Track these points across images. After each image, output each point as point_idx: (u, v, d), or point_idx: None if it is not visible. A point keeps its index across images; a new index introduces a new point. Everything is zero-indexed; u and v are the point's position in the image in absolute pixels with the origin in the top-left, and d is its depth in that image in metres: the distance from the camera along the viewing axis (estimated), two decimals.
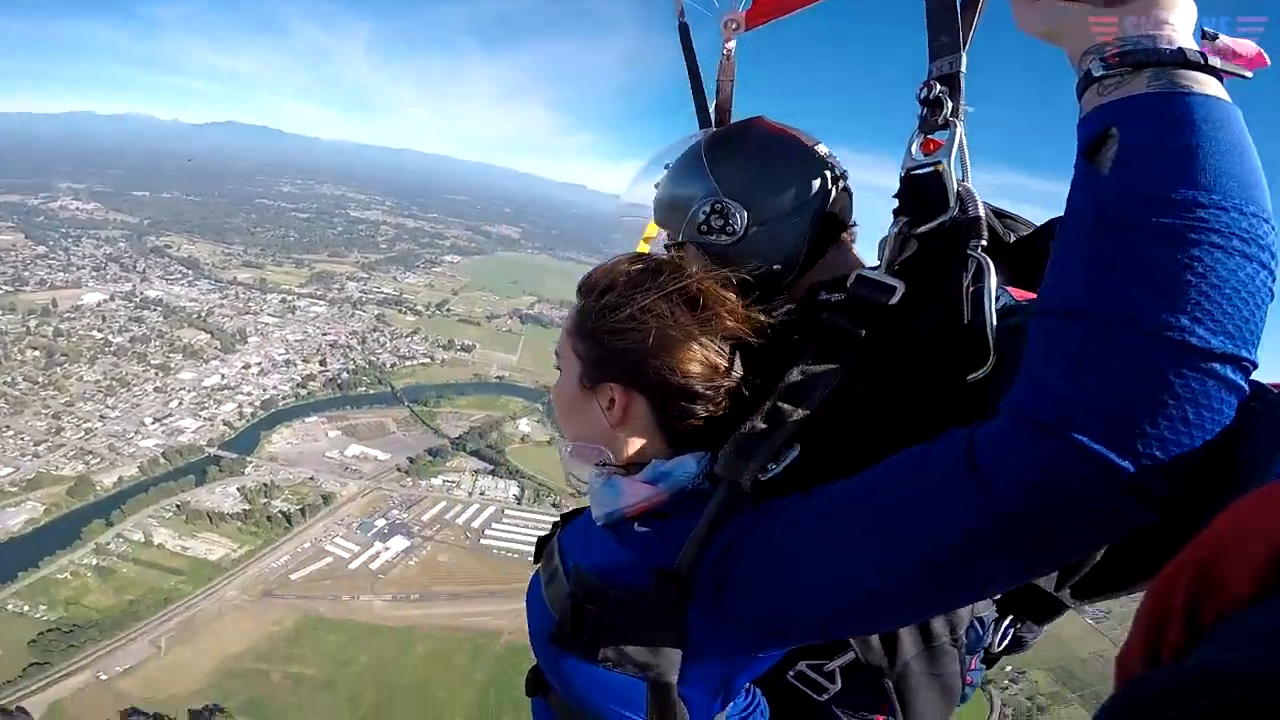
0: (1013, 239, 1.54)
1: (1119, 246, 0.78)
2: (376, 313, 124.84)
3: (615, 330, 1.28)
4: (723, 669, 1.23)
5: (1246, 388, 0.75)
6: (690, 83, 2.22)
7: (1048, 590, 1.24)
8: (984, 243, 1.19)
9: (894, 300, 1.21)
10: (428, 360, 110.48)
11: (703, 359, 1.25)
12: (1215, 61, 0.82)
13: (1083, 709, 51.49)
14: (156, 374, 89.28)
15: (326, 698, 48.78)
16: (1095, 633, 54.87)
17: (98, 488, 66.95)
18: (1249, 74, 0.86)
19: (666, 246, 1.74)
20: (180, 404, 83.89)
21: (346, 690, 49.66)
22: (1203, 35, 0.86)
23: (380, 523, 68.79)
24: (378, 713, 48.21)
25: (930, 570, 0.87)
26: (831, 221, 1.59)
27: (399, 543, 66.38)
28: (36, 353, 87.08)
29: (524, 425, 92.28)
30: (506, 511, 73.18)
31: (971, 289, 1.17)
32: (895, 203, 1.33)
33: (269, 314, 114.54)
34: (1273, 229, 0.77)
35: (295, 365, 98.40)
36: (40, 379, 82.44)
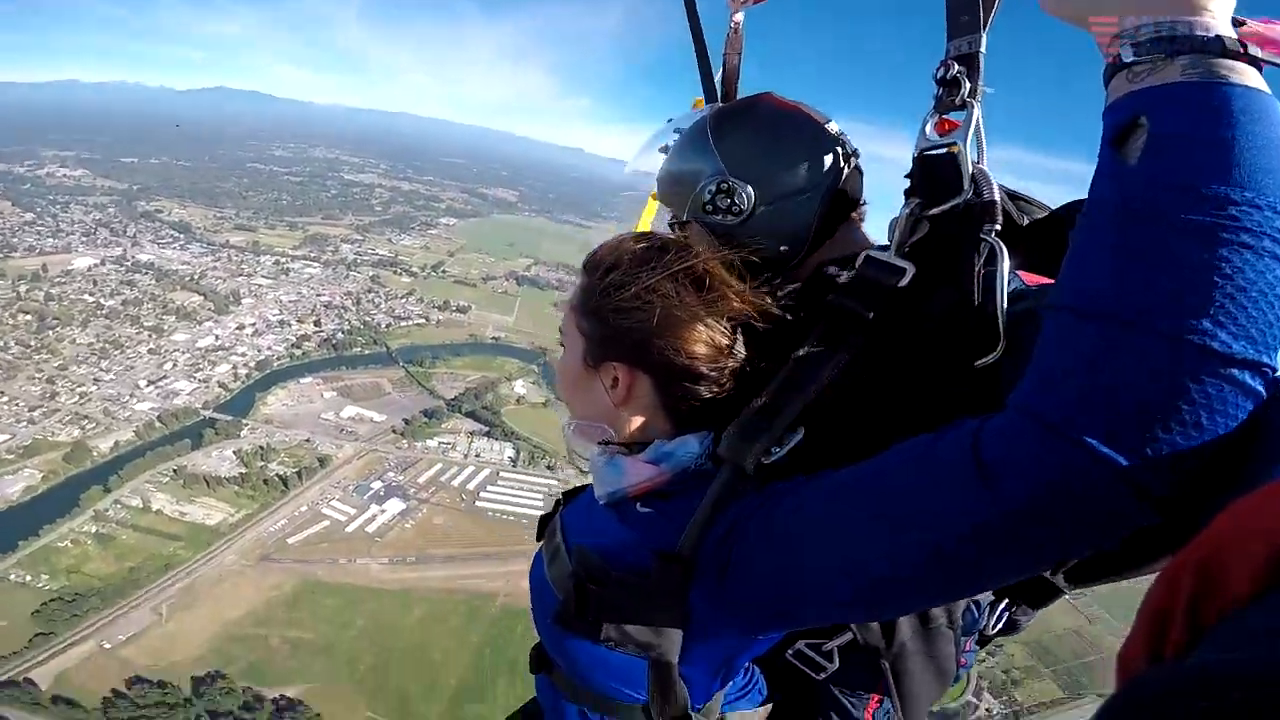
0: (1026, 222, 1.49)
1: (1144, 239, 0.74)
2: (371, 274, 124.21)
3: (620, 309, 1.26)
4: (724, 649, 1.25)
5: (1265, 393, 0.73)
6: (696, 56, 2.18)
7: (1044, 575, 1.24)
8: (998, 227, 1.17)
9: (903, 283, 1.19)
10: (423, 321, 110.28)
11: (708, 340, 1.24)
12: (1256, 51, 0.76)
13: (1054, 684, 52.22)
14: (150, 336, 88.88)
15: (325, 661, 49.40)
16: (1071, 609, 55.02)
17: (94, 453, 67.04)
18: None
19: (671, 225, 1.71)
20: (175, 366, 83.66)
21: (345, 653, 50.23)
22: (1233, 22, 0.81)
23: (376, 485, 69.01)
24: (376, 675, 48.82)
25: (940, 559, 0.86)
26: (841, 200, 1.56)
27: (395, 505, 66.64)
28: (28, 317, 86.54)
29: (519, 387, 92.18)
30: (502, 474, 73.38)
31: (983, 273, 1.15)
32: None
33: (262, 276, 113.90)
34: None
35: (290, 326, 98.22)
36: (33, 343, 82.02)
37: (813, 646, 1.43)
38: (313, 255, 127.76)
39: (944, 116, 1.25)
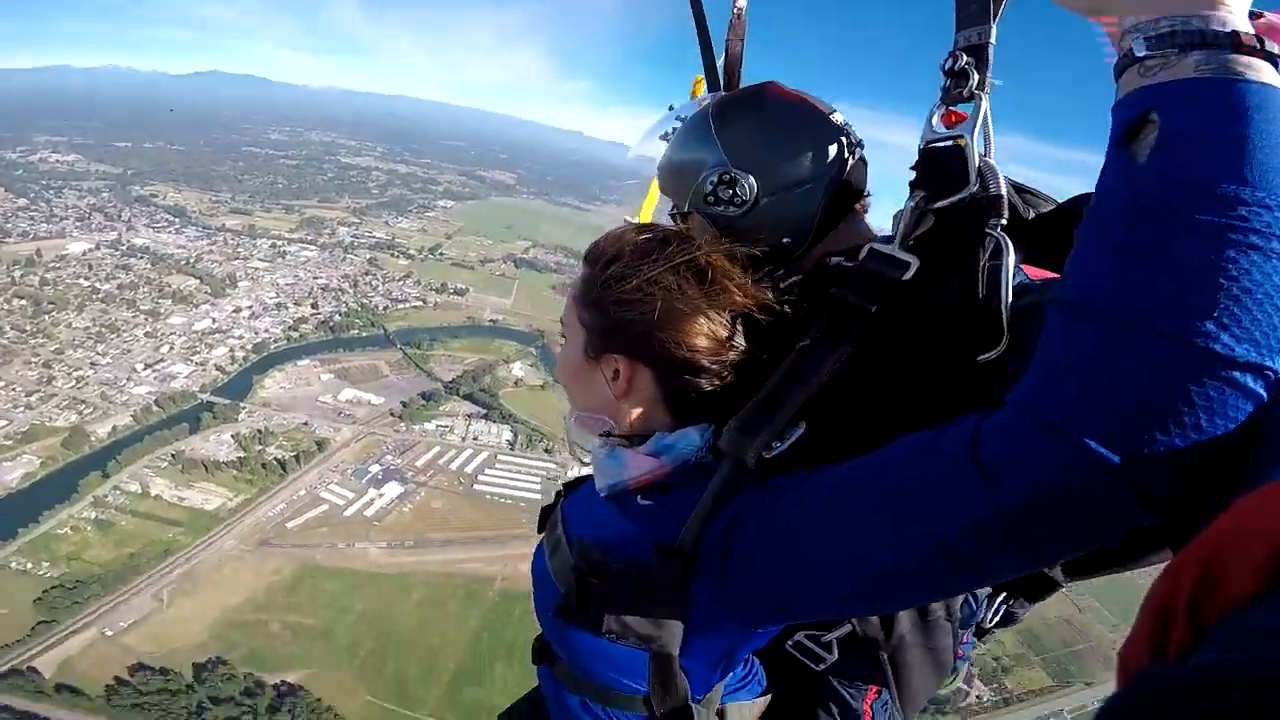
0: (1032, 215, 1.48)
1: (1150, 237, 0.73)
2: (368, 257, 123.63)
3: (621, 301, 1.26)
4: (724, 642, 1.26)
5: (1266, 395, 0.72)
6: (700, 44, 2.17)
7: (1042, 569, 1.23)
8: (1004, 222, 1.16)
9: (907, 276, 1.18)
10: (420, 303, 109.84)
11: (709, 333, 1.24)
12: (1273, 46, 0.74)
13: (1044, 671, 52.38)
14: (146, 319, 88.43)
15: (325, 646, 49.38)
16: (1062, 598, 53.79)
17: (92, 438, 66.70)
18: None
19: (672, 215, 1.69)
20: (171, 349, 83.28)
21: (344, 638, 50.23)
22: (1250, 15, 0.79)
23: (374, 469, 68.77)
24: (375, 660, 48.86)
25: (942, 554, 0.86)
26: (845, 192, 1.54)
27: (393, 489, 66.48)
28: (23, 302, 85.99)
29: (518, 369, 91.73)
30: (499, 457, 73.12)
31: (987, 267, 1.15)
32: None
33: (259, 259, 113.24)
34: None
35: (286, 308, 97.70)
36: (28, 327, 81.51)
37: (812, 638, 1.44)
38: (309, 238, 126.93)
39: (951, 108, 1.23)
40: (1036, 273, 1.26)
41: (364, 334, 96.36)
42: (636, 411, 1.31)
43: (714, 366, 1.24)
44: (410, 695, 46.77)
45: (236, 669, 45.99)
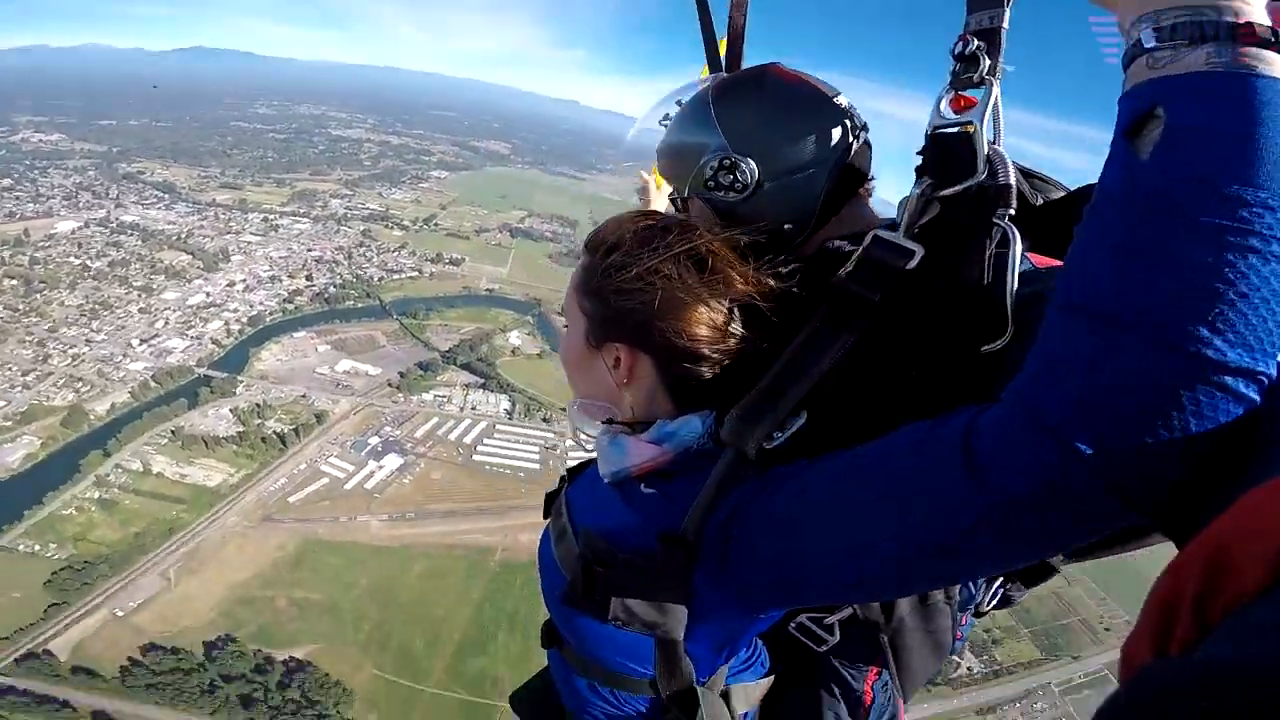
0: (1040, 201, 1.47)
1: (1149, 237, 0.72)
2: (362, 228, 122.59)
3: (621, 290, 1.26)
4: (727, 628, 1.27)
5: (1259, 399, 0.71)
6: (699, 18, 2.10)
7: None
8: (1012, 211, 1.15)
9: (911, 265, 1.15)
10: (416, 274, 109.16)
11: (710, 322, 1.23)
12: None
13: (1032, 644, 52.81)
14: (139, 295, 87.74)
15: (330, 621, 49.70)
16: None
17: (91, 416, 66.42)
18: None
19: (672, 200, 1.68)
20: (166, 324, 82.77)
21: (349, 613, 50.53)
22: (1269, 5, 0.75)
23: (374, 440, 68.64)
24: (380, 633, 49.24)
25: (943, 543, 0.87)
26: (849, 176, 1.52)
27: (393, 461, 66.44)
28: (14, 281, 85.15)
29: (515, 338, 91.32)
30: (498, 427, 72.95)
31: (993, 255, 1.13)
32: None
33: (251, 233, 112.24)
34: None
35: (281, 281, 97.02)
36: (21, 306, 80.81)
37: (814, 620, 1.46)
38: (301, 211, 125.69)
39: (960, 93, 1.20)
40: (1043, 260, 1.24)
41: (360, 305, 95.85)
42: (638, 399, 1.31)
43: (715, 354, 1.24)
44: (415, 667, 47.23)
45: (246, 646, 46.38)
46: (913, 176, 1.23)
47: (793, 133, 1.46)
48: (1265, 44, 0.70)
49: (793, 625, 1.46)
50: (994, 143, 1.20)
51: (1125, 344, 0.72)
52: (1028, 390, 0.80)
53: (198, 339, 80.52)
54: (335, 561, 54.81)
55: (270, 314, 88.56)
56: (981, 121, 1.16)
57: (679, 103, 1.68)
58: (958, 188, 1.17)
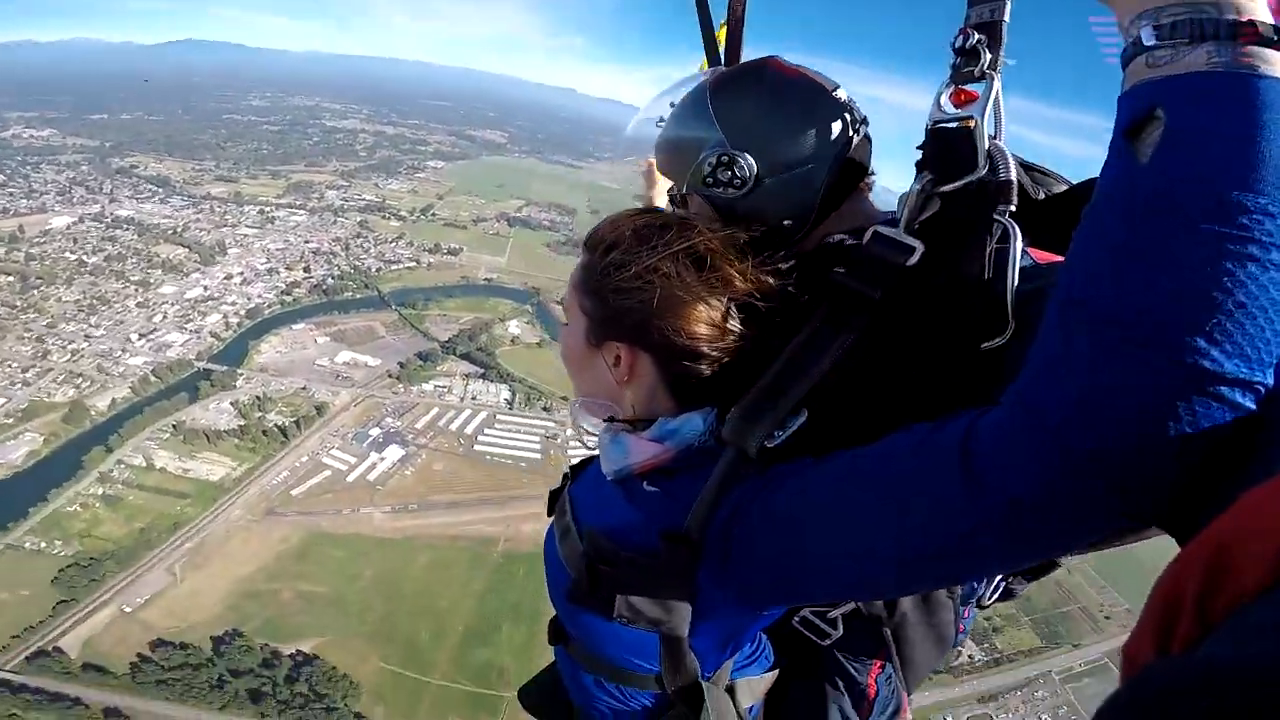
0: (1042, 195, 1.46)
1: (1147, 242, 0.71)
2: (359, 219, 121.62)
3: (620, 289, 1.26)
4: (731, 624, 1.29)
5: (1255, 408, 0.70)
6: (696, 8, 2.12)
7: None
8: (1013, 208, 1.14)
9: (912, 261, 1.15)
10: (414, 264, 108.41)
11: (709, 319, 1.23)
12: None
13: (1032, 633, 52.95)
14: (137, 290, 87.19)
15: (336, 614, 49.67)
16: None
17: (92, 412, 66.10)
18: None
19: (670, 196, 1.67)
20: (165, 318, 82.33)
21: (355, 605, 50.54)
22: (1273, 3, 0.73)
23: (375, 432, 68.42)
24: (385, 625, 49.22)
25: (942, 545, 0.87)
26: (849, 170, 1.51)
27: (394, 452, 66.23)
28: (10, 278, 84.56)
29: (514, 327, 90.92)
30: (499, 416, 72.75)
31: (994, 251, 1.12)
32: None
33: (247, 225, 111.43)
34: None
35: (278, 273, 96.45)
36: (18, 303, 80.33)
37: (818, 615, 1.47)
38: (298, 203, 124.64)
39: (961, 88, 1.19)
40: (1044, 256, 1.23)
41: (358, 296, 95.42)
42: (639, 397, 1.32)
43: (714, 352, 1.24)
44: (421, 659, 47.30)
45: (253, 640, 46.39)
46: (907, 164, 1.22)
47: (792, 128, 1.44)
48: (1268, 43, 0.68)
49: (797, 620, 1.47)
50: (995, 137, 1.18)
51: (1126, 345, 0.71)
52: (1028, 391, 0.80)
53: (196, 333, 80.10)
54: (339, 554, 54.76)
55: (268, 306, 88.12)
56: (982, 116, 1.14)
57: (673, 103, 1.66)
58: (958, 183, 1.15)
